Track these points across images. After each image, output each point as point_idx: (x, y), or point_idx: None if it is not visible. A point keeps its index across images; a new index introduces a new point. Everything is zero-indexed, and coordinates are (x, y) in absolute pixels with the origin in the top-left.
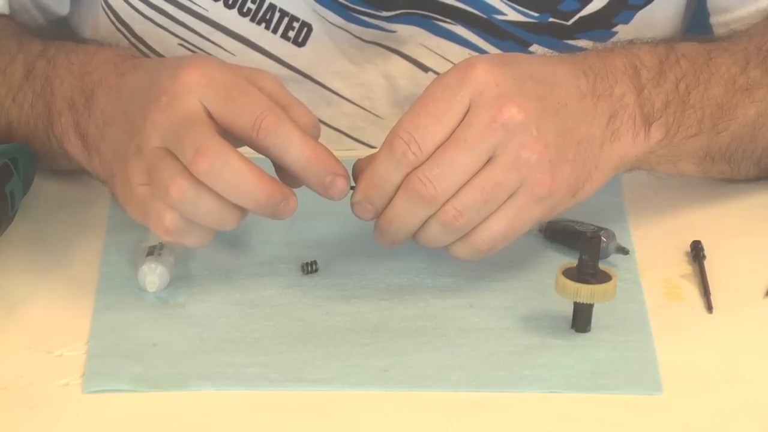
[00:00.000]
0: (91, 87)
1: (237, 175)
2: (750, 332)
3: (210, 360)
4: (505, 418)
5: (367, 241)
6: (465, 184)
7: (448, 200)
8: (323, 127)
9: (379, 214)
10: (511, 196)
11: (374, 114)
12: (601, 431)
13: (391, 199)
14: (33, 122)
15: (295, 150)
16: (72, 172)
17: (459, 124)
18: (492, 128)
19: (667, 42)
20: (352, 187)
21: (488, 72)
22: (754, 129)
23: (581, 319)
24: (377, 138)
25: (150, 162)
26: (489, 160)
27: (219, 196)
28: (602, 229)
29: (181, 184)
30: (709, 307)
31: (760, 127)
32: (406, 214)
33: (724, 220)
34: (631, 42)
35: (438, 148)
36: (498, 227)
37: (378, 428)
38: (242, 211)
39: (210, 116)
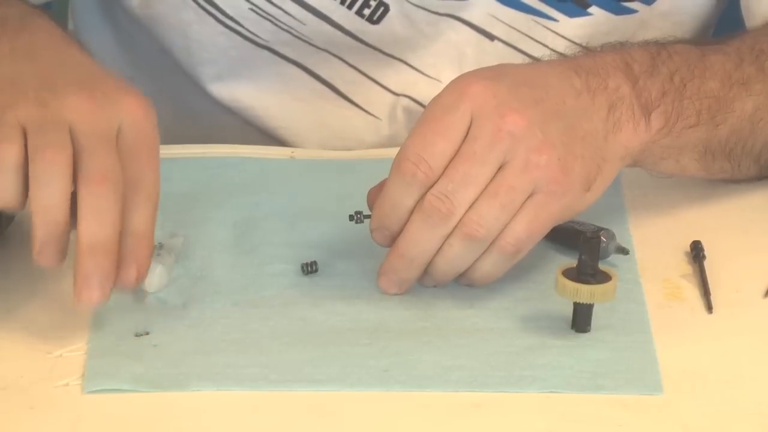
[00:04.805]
0: (34, 26)
1: (109, 213)
2: (750, 332)
3: (210, 360)
4: (505, 418)
5: (367, 241)
6: (480, 195)
7: (465, 213)
8: (386, 93)
9: (394, 241)
10: (527, 198)
11: (437, 80)
12: (601, 431)
13: (405, 223)
14: None
15: (141, 219)
16: None
17: (464, 140)
18: (498, 137)
19: (659, 42)
20: (367, 217)
21: (483, 86)
22: (752, 123)
23: (581, 319)
24: None
25: (49, 122)
26: (500, 169)
27: (67, 196)
28: (602, 229)
29: (64, 157)
30: (709, 308)
31: (758, 121)
32: (423, 236)
33: (724, 220)
34: (621, 44)
35: (447, 165)
36: (520, 228)
37: (378, 428)
38: (64, 227)
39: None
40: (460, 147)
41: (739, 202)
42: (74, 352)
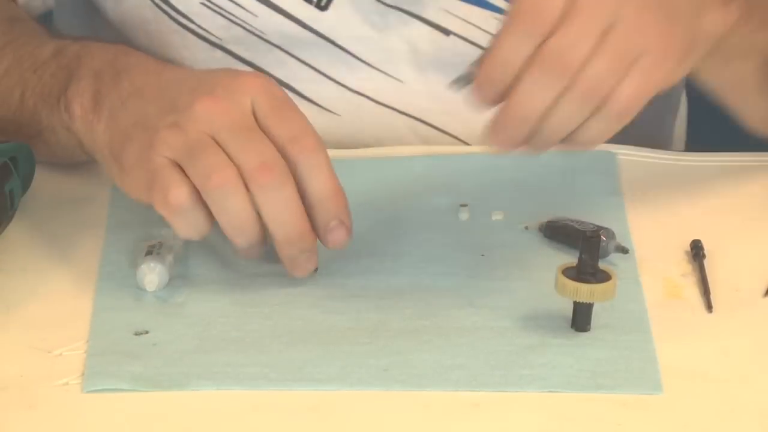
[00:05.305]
0: (125, 66)
1: (288, 201)
2: (750, 332)
3: (210, 359)
4: (505, 418)
5: (367, 240)
6: (595, 52)
7: (580, 71)
8: (344, 90)
9: (499, 99)
10: (635, 59)
11: (396, 78)
12: (601, 431)
13: (514, 81)
14: (48, 89)
15: (322, 179)
16: (72, 170)
17: None
18: None
19: None
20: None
21: None
22: None
23: (581, 318)
24: (400, 101)
25: (194, 144)
26: (610, 26)
27: (251, 205)
28: (602, 228)
29: (229, 174)
30: (709, 307)
31: None
32: (538, 91)
33: (723, 219)
34: None
35: (563, 16)
36: (630, 90)
37: (378, 428)
38: (260, 233)
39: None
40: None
41: (738, 201)
42: (74, 351)
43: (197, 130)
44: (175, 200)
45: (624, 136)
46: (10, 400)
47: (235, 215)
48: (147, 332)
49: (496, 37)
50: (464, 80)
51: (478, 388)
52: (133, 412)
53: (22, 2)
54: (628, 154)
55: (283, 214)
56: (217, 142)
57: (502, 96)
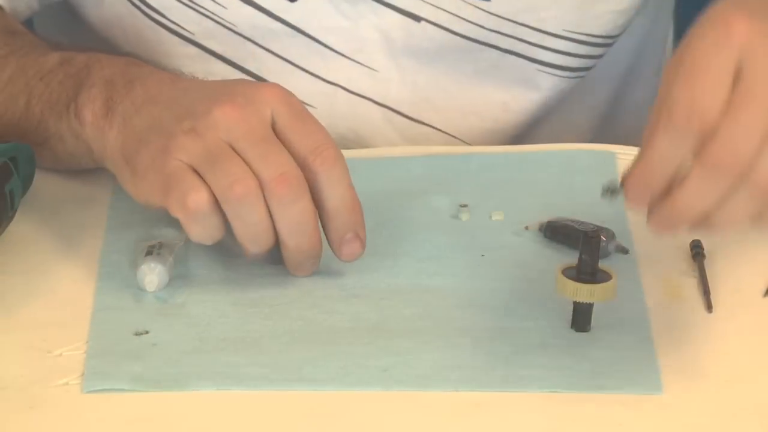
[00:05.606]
0: (137, 75)
1: (304, 213)
2: (750, 332)
3: (210, 360)
4: (505, 418)
5: (367, 240)
6: (764, 144)
7: (752, 165)
8: (318, 81)
9: (653, 199)
10: None
11: (369, 67)
12: (601, 431)
13: (670, 180)
14: (56, 96)
15: (341, 191)
16: (72, 171)
17: (735, 84)
18: None
19: None
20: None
21: (750, 24)
22: None
23: (581, 318)
24: (374, 90)
25: (213, 150)
26: None
27: (269, 216)
28: (602, 228)
29: (251, 185)
30: (709, 307)
31: None
32: (702, 193)
33: None
34: None
35: (723, 111)
36: None
37: (378, 428)
38: (274, 241)
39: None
40: (733, 89)
41: None
42: (74, 351)
43: (216, 137)
44: (195, 205)
45: (614, 136)
46: (10, 400)
47: (253, 225)
48: (147, 332)
49: (648, 138)
50: (613, 188)
51: (478, 389)
52: (133, 412)
53: (7, 7)
54: (628, 154)
55: (298, 225)
56: (235, 150)
57: (659, 195)
